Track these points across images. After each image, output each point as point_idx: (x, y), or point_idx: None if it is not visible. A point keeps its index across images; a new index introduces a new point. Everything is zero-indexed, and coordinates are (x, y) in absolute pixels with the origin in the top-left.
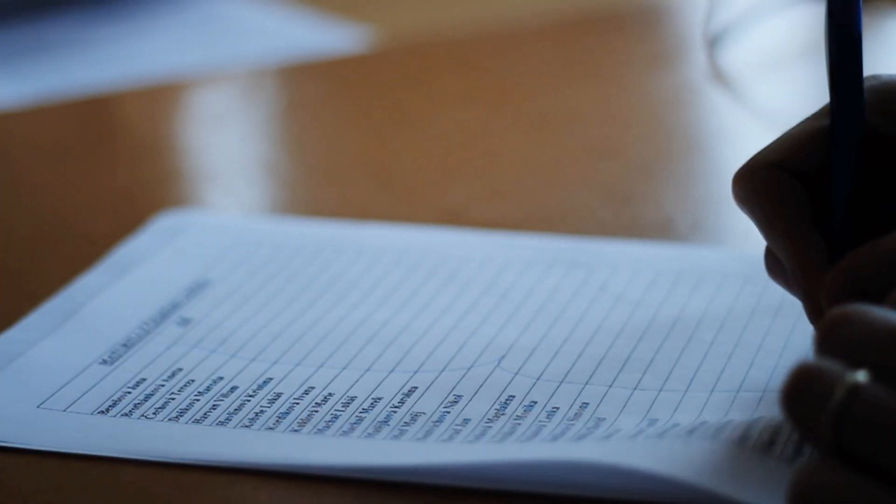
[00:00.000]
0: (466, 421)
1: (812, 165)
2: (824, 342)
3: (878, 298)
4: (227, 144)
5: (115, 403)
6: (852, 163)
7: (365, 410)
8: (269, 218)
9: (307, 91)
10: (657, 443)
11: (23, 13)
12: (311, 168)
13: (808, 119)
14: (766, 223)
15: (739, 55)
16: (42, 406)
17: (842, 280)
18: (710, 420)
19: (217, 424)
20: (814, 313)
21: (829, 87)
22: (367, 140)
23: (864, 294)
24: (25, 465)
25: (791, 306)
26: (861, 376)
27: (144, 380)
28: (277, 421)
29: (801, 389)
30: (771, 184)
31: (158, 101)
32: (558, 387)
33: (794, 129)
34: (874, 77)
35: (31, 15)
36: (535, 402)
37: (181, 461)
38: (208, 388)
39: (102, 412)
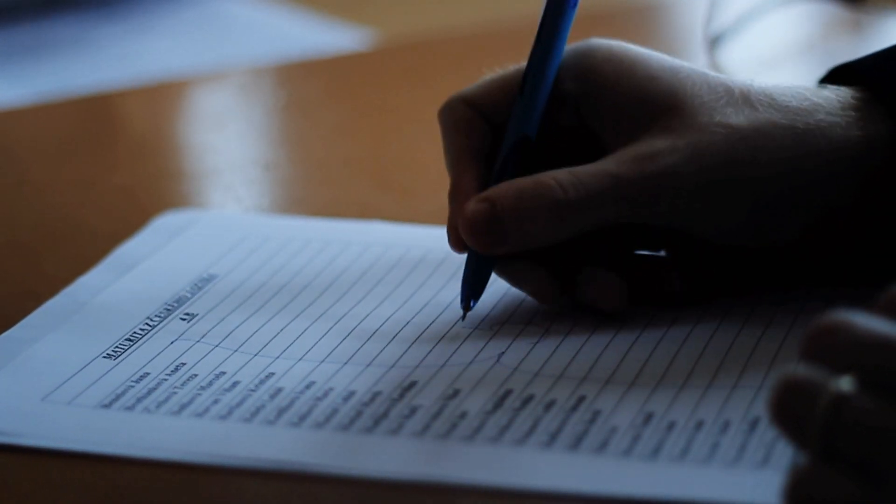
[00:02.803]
0: (465, 414)
1: (501, 108)
2: (810, 350)
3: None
4: (227, 143)
5: (118, 397)
6: (529, 110)
7: (365, 404)
8: (272, 215)
9: (307, 89)
10: (650, 466)
11: (24, 13)
12: (310, 167)
13: (514, 67)
14: (445, 151)
15: (739, 54)
16: (46, 399)
17: (480, 207)
18: (706, 418)
19: (218, 419)
20: (453, 239)
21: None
22: (366, 139)
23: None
24: (27, 464)
25: (790, 305)
26: (846, 384)
27: (148, 374)
28: (278, 415)
29: (789, 398)
30: (457, 117)
31: (159, 100)
32: (556, 381)
33: (496, 73)
34: (586, 42)
35: (33, 15)
36: (533, 396)
37: (179, 460)
38: (210, 383)
39: (105, 406)
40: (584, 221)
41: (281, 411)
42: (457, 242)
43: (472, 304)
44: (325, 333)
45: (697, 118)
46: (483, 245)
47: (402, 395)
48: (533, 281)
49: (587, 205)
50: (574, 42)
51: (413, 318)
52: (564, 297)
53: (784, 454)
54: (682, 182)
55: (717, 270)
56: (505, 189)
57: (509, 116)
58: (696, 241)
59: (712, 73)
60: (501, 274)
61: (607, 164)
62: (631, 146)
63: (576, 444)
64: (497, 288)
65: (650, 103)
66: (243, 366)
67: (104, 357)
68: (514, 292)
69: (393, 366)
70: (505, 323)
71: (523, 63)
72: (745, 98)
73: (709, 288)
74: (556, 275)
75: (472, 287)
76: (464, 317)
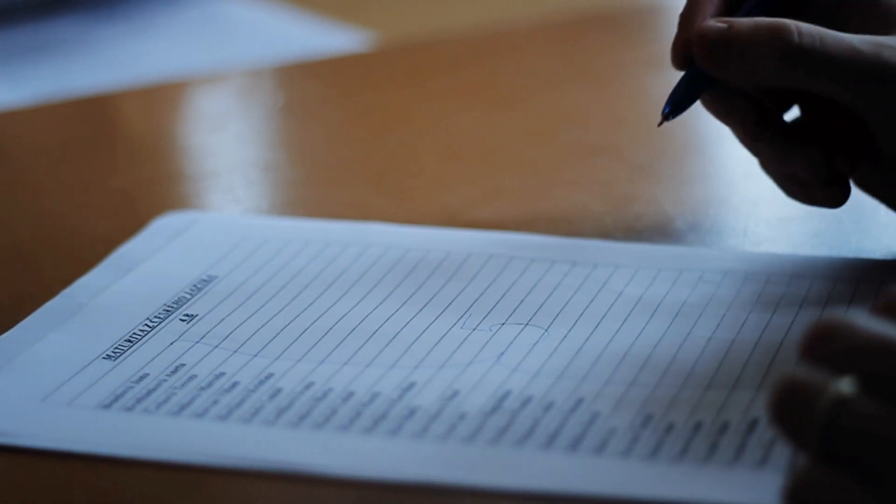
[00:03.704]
0: (464, 415)
1: None
2: (810, 351)
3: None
4: (226, 144)
5: (117, 398)
6: None
7: (364, 405)
8: (272, 217)
9: (306, 91)
10: (649, 467)
11: (23, 14)
12: (309, 168)
13: None
14: None
15: None
16: (46, 400)
17: (717, 25)
18: (704, 419)
19: (217, 420)
20: (675, 56)
21: None
22: (365, 140)
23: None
24: (27, 465)
25: (790, 304)
26: (846, 385)
27: (147, 375)
28: (277, 416)
29: (788, 400)
30: None
31: (158, 102)
32: (555, 382)
33: None
34: None
35: (32, 16)
36: (532, 397)
37: (179, 460)
38: (210, 384)
39: (105, 406)
40: (807, 74)
41: (280, 412)
42: (677, 59)
43: (670, 115)
44: (325, 334)
45: None
46: (708, 62)
47: (401, 396)
48: (735, 114)
49: (817, 59)
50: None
51: (412, 318)
52: (763, 138)
53: (782, 455)
54: None
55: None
56: (745, 20)
57: None
58: (882, 154)
59: None
60: (709, 99)
61: (850, 37)
62: (877, 36)
63: (575, 445)
64: (497, 287)
65: None
66: (243, 366)
67: (104, 358)
68: (514, 293)
69: (392, 366)
70: (504, 324)
71: None
72: None
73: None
74: (760, 118)
75: (679, 100)
76: (661, 123)
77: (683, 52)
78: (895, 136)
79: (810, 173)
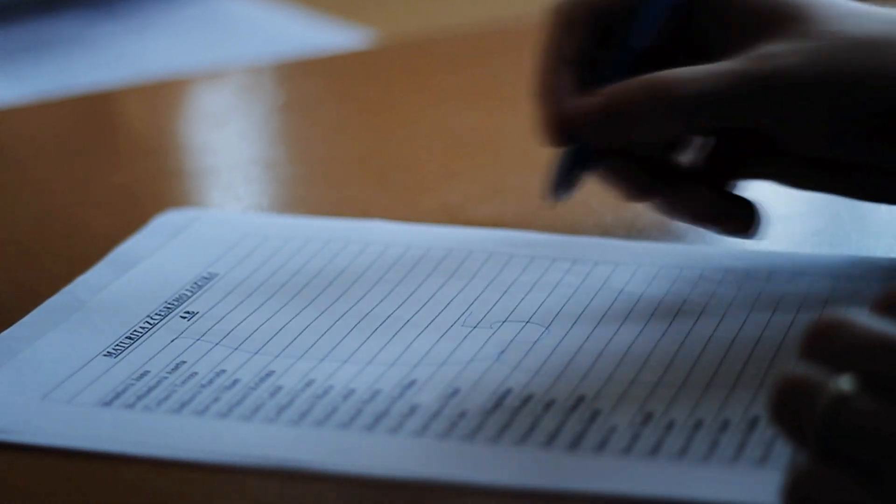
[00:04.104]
0: (464, 413)
1: (617, 11)
2: (809, 349)
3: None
4: (227, 142)
5: (118, 395)
6: (648, 17)
7: (364, 403)
8: (272, 214)
9: (306, 88)
10: (649, 465)
11: (24, 11)
12: (310, 166)
13: None
14: (548, 45)
15: None
16: (46, 397)
17: (596, 101)
18: (705, 417)
19: (218, 417)
20: (547, 134)
21: None
22: (366, 138)
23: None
24: (27, 462)
25: (791, 302)
26: (846, 383)
27: (148, 372)
28: (278, 413)
29: (788, 397)
30: (574, 17)
31: (159, 99)
32: (556, 380)
33: None
34: None
35: (33, 13)
36: (533, 395)
37: (179, 457)
38: (211, 381)
39: (106, 404)
40: (698, 118)
41: (281, 409)
42: (554, 137)
43: (561, 196)
44: (325, 332)
45: (817, 26)
46: (599, 137)
47: (401, 394)
48: (624, 176)
49: (703, 101)
50: None
51: (413, 316)
52: (650, 197)
53: (783, 453)
54: (801, 81)
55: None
56: (621, 86)
57: (626, 20)
58: (792, 156)
59: None
60: (600, 168)
61: (725, 64)
62: (750, 49)
63: (575, 443)
64: (497, 286)
65: (772, 12)
66: (243, 364)
67: (104, 355)
68: (514, 291)
69: (393, 364)
70: (505, 321)
71: None
72: (866, 12)
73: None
74: (647, 175)
75: (568, 180)
76: (552, 204)
77: (560, 129)
78: (805, 133)
79: (708, 210)
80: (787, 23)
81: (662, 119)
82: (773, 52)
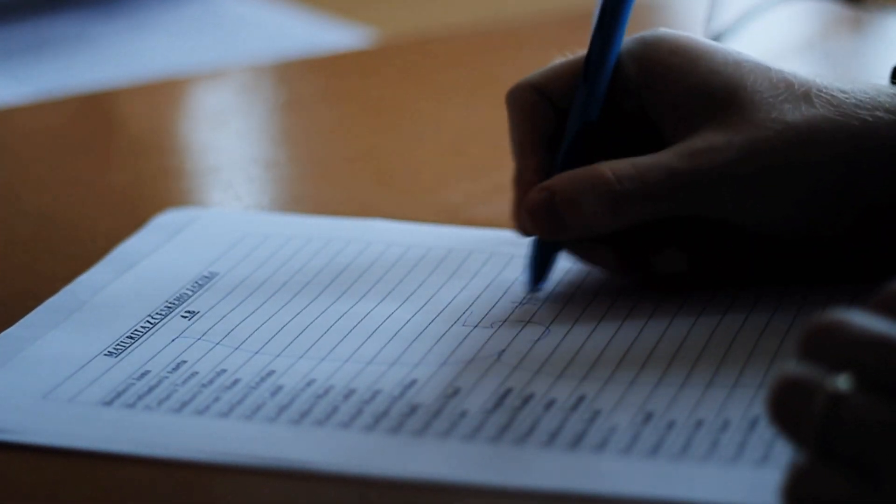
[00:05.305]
0: (465, 412)
1: (567, 93)
2: (807, 348)
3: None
4: (227, 141)
5: (119, 395)
6: (591, 97)
7: (365, 402)
8: (273, 213)
9: (307, 87)
10: (650, 464)
11: (25, 11)
12: (310, 165)
13: (580, 53)
14: (511, 134)
15: None
16: (47, 397)
17: (539, 196)
18: (705, 417)
19: (218, 416)
20: (517, 225)
21: (592, 27)
22: (366, 137)
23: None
24: (28, 461)
25: (790, 303)
26: (843, 382)
27: (149, 371)
28: (278, 413)
29: (786, 397)
30: (524, 102)
31: (159, 98)
32: (556, 380)
33: (563, 59)
34: (653, 31)
35: (33, 12)
36: (533, 395)
37: (180, 457)
38: (211, 381)
39: (107, 403)
40: (639, 212)
41: (281, 409)
42: (521, 227)
43: (536, 289)
44: (326, 331)
45: (755, 114)
46: (544, 232)
47: (402, 394)
48: (599, 259)
49: (642, 197)
50: (638, 31)
51: (413, 316)
52: (633, 271)
53: (783, 452)
54: (736, 178)
55: (763, 260)
56: (563, 179)
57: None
58: (745, 232)
59: (776, 68)
60: (570, 253)
61: (664, 158)
62: (689, 140)
63: (576, 442)
64: (498, 284)
65: (710, 97)
66: (244, 363)
67: (105, 355)
68: (515, 289)
69: (393, 364)
70: (505, 321)
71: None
72: (805, 94)
73: (745, 276)
74: (623, 253)
75: (539, 270)
76: (529, 298)
77: (515, 222)
78: (751, 215)
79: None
80: (728, 108)
81: (604, 214)
82: (710, 145)
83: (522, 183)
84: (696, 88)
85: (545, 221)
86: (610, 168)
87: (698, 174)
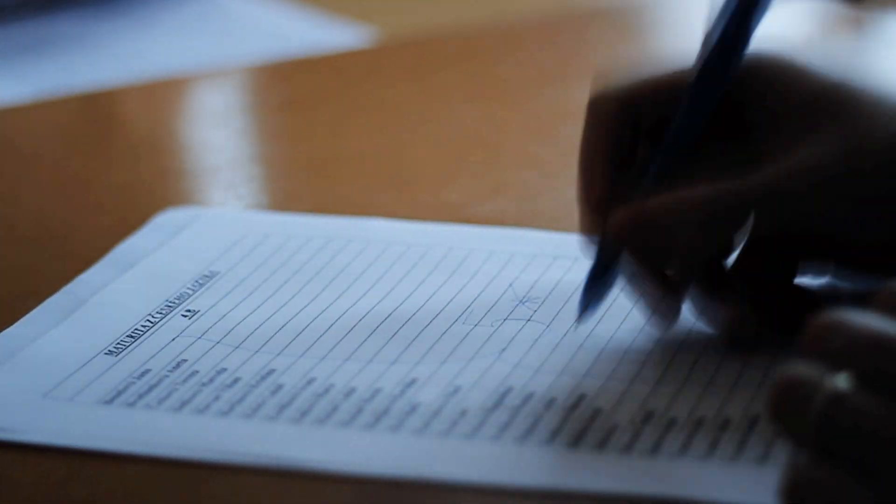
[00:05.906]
0: (465, 411)
1: (652, 111)
2: (807, 347)
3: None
4: (228, 140)
5: (119, 394)
6: (699, 115)
7: (365, 401)
8: (273, 212)
9: (307, 87)
10: (650, 463)
11: (25, 10)
12: (310, 164)
13: (670, 66)
14: (583, 144)
15: None
16: (47, 396)
17: (625, 217)
18: (706, 416)
19: (219, 415)
20: (589, 241)
21: (703, 41)
22: (367, 136)
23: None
24: (28, 461)
25: None
26: (843, 381)
27: (149, 370)
28: (278, 412)
29: (785, 397)
30: (606, 116)
31: (160, 98)
32: (556, 379)
33: (651, 71)
34: (754, 49)
35: (34, 12)
36: (533, 394)
37: (180, 456)
38: (212, 380)
39: (107, 402)
40: (726, 235)
41: (282, 408)
42: (586, 242)
43: (591, 311)
44: (326, 330)
45: (859, 127)
46: (634, 255)
47: (402, 392)
48: (652, 293)
49: (730, 222)
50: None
51: (414, 314)
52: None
53: (783, 451)
54: (840, 190)
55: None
56: (656, 202)
57: (672, 122)
58: (837, 246)
59: (877, 81)
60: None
61: (764, 175)
62: (789, 156)
63: (576, 441)
64: (499, 283)
65: (813, 112)
66: (244, 362)
67: (105, 354)
68: (516, 287)
69: (394, 362)
70: (506, 320)
71: (680, 61)
72: None
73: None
74: (673, 289)
75: (595, 296)
76: (580, 322)
77: (589, 238)
78: (860, 224)
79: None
80: (830, 120)
81: (691, 239)
82: (812, 160)
83: (591, 199)
84: (800, 105)
85: (632, 243)
86: (696, 195)
87: (800, 187)
